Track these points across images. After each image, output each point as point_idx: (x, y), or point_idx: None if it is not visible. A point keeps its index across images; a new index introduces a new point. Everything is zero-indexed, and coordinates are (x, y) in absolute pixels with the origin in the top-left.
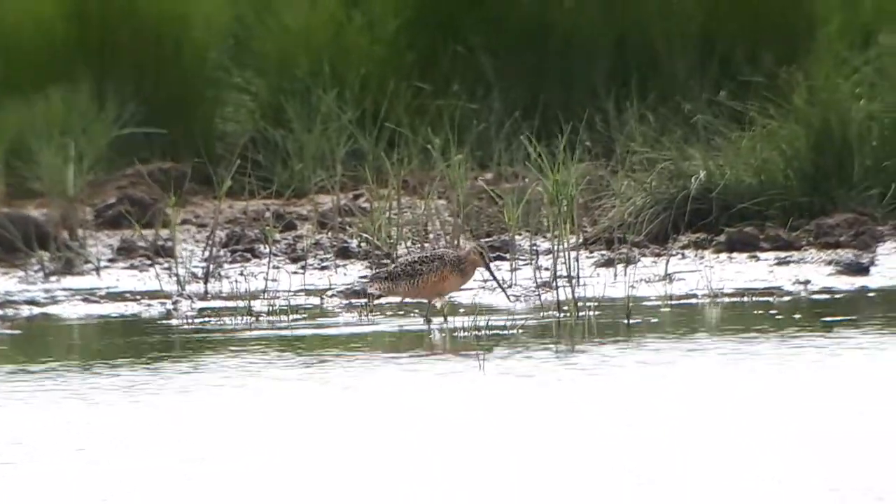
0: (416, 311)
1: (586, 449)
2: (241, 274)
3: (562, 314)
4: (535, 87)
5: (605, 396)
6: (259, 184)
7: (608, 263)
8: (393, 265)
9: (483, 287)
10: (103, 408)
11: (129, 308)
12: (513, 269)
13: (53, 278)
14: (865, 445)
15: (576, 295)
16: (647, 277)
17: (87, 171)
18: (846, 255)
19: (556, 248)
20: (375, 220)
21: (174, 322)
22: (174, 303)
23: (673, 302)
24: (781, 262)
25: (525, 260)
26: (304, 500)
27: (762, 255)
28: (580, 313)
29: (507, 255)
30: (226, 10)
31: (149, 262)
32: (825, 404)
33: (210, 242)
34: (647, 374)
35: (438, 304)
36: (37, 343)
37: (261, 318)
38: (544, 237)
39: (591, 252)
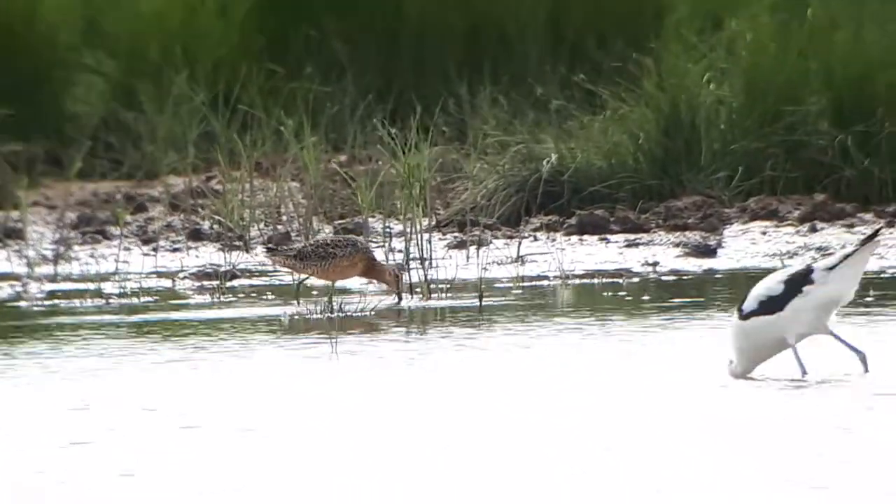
0: (269, 293)
1: (430, 430)
2: (92, 256)
3: (414, 296)
4: (389, 71)
5: (455, 377)
6: (110, 165)
7: (461, 245)
8: (302, 244)
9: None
10: None
11: None
12: None
13: None
14: (706, 416)
15: (428, 277)
16: (499, 259)
17: None
18: (694, 237)
19: (408, 230)
20: (228, 203)
21: (23, 304)
22: (23, 285)
23: (525, 284)
24: (631, 245)
25: (378, 242)
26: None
27: (612, 238)
28: (432, 295)
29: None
30: None
31: None
32: (674, 379)
33: (60, 224)
34: (497, 355)
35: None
36: None
37: (111, 301)
38: (397, 219)
39: (444, 234)
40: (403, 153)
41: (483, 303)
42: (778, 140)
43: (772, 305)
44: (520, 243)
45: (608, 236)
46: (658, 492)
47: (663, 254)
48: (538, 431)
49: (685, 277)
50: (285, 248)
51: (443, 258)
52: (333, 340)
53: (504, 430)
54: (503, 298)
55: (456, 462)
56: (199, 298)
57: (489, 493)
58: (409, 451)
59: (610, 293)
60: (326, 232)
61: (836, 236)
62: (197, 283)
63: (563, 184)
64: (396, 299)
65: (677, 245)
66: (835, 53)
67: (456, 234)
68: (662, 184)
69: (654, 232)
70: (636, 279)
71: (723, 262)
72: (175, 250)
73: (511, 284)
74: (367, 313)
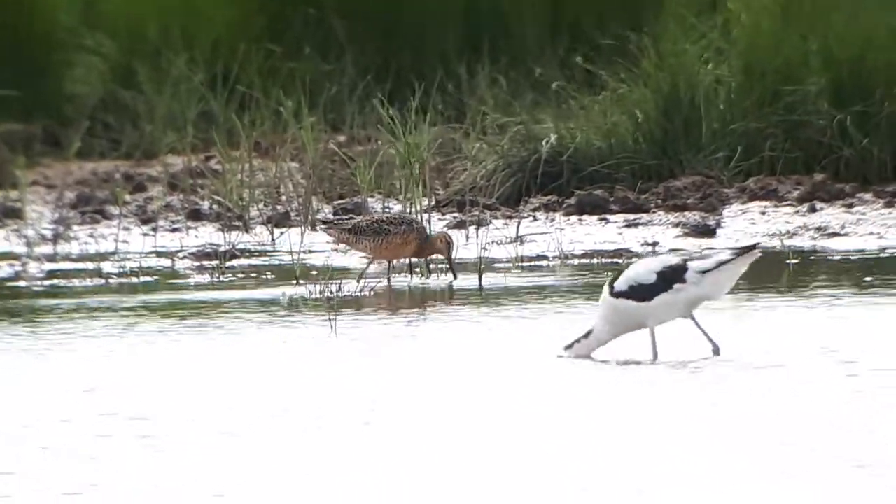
0: (269, 273)
1: (423, 409)
2: (91, 236)
3: (414, 276)
4: (388, 51)
5: (452, 355)
6: (109, 145)
7: (460, 225)
8: (357, 219)
9: (336, 249)
10: None
11: None
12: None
13: None
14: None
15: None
16: (498, 239)
17: None
18: (693, 217)
19: (408, 210)
20: (227, 182)
21: (22, 284)
22: (23, 264)
23: (524, 264)
24: (630, 225)
25: None
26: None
27: (612, 218)
28: (432, 275)
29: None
30: None
31: None
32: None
33: (59, 204)
34: (496, 333)
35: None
36: None
37: (111, 280)
38: (397, 199)
39: (444, 214)
40: (403, 133)
41: (483, 282)
42: (777, 120)
43: (641, 293)
44: (519, 223)
45: (607, 216)
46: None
47: (663, 234)
48: (526, 410)
49: None
50: (339, 223)
51: None
52: (333, 320)
53: (494, 408)
54: (503, 278)
55: (445, 438)
56: (198, 278)
57: (483, 476)
58: (404, 431)
59: (609, 273)
60: (326, 212)
61: (835, 216)
62: (196, 263)
63: (563, 164)
64: (452, 275)
65: (677, 225)
66: (833, 33)
67: (455, 215)
68: (662, 164)
69: (654, 212)
70: (636, 259)
71: (722, 241)
72: (174, 230)
73: (510, 264)
74: (367, 293)
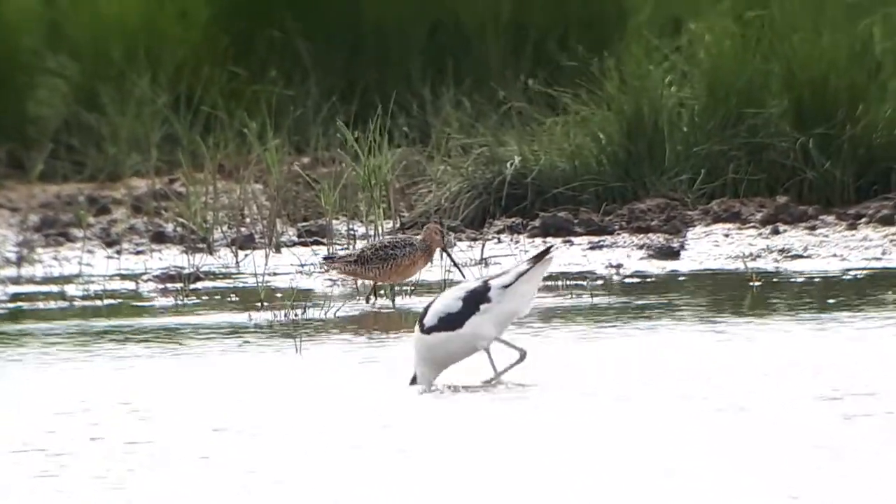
0: (233, 295)
1: (384, 428)
2: (55, 258)
3: (378, 298)
4: (352, 73)
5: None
6: (73, 168)
7: None
8: (360, 249)
9: (300, 271)
10: None
11: None
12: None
13: None
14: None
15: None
16: (463, 262)
17: None
18: (657, 239)
19: (372, 232)
20: (191, 205)
21: None
22: None
23: None
24: (595, 247)
25: (342, 244)
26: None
27: (576, 240)
28: (396, 297)
29: (324, 240)
30: None
31: None
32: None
33: (23, 227)
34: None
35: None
36: None
37: (75, 303)
38: (361, 221)
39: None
40: (366, 155)
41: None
42: (740, 142)
43: (451, 322)
44: (483, 245)
45: (572, 238)
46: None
47: (627, 256)
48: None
49: (648, 280)
50: (343, 256)
51: None
52: (298, 341)
53: (450, 426)
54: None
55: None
56: (162, 301)
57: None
58: (370, 452)
59: (574, 295)
60: (290, 234)
61: (798, 238)
62: (160, 286)
63: (527, 186)
64: (459, 272)
65: (641, 247)
66: (795, 56)
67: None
68: (625, 186)
69: (618, 234)
70: (600, 281)
71: (686, 264)
72: (138, 252)
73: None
74: (331, 315)
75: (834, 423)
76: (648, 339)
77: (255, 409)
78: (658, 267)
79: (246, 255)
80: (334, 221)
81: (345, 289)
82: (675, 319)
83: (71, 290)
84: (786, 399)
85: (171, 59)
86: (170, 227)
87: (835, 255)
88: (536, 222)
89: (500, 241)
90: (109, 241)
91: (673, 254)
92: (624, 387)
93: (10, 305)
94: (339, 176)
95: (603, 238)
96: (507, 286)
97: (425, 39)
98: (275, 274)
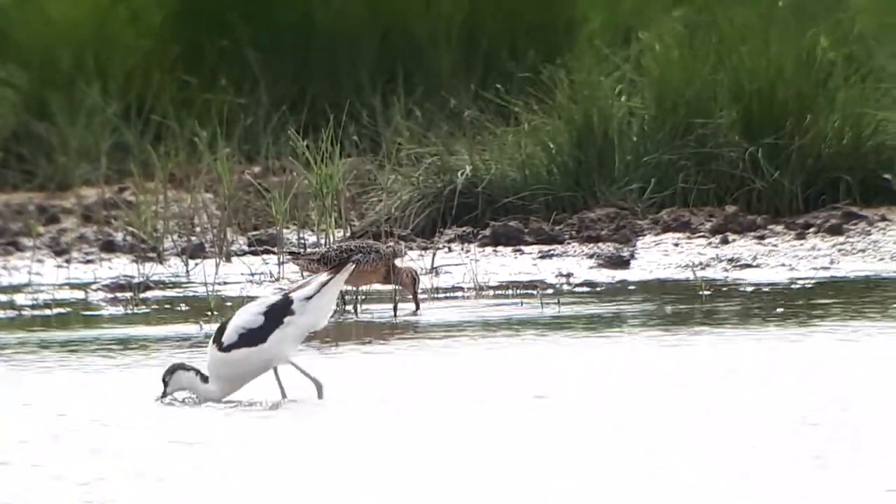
0: (183, 305)
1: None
2: (4, 268)
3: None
4: (302, 82)
5: (369, 387)
6: (22, 177)
7: None
8: (326, 248)
9: (250, 281)
10: None
11: None
12: (280, 263)
13: None
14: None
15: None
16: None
17: None
18: (607, 248)
19: (323, 241)
20: (141, 214)
21: None
22: None
23: (439, 295)
24: (545, 256)
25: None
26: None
27: (526, 249)
28: (347, 307)
29: (275, 249)
30: None
31: None
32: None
33: None
34: (410, 364)
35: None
36: None
37: (24, 312)
38: (312, 230)
39: None
40: (316, 164)
41: (397, 313)
42: (689, 152)
43: (253, 338)
44: (434, 254)
45: (522, 247)
46: None
47: (577, 265)
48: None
49: (598, 289)
50: (309, 252)
51: None
52: None
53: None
54: (418, 309)
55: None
56: (112, 310)
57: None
58: (323, 463)
59: (524, 304)
60: (241, 243)
61: (747, 248)
62: (110, 295)
63: (478, 195)
64: (415, 307)
65: (591, 256)
66: (743, 65)
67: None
68: (576, 195)
69: (568, 243)
70: (550, 290)
71: (636, 273)
72: (88, 262)
73: (425, 295)
74: None
75: (780, 430)
76: (592, 347)
77: (204, 422)
78: (608, 276)
79: (196, 265)
80: (285, 230)
81: (401, 291)
82: (623, 328)
83: (20, 299)
84: (733, 406)
85: (122, 66)
86: (120, 237)
87: (783, 265)
88: (487, 231)
89: (450, 250)
90: (59, 251)
91: (623, 263)
92: (566, 394)
93: None
94: (290, 185)
95: (553, 247)
96: (309, 298)
97: (376, 48)
98: (225, 283)
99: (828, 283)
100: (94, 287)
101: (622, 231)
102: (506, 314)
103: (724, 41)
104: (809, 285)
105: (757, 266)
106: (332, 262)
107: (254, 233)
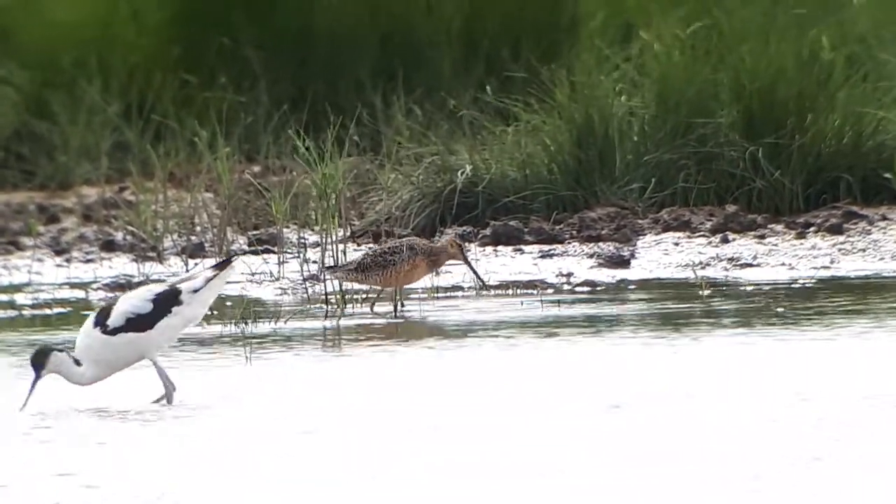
0: None
1: (344, 434)
2: (4, 267)
3: (329, 306)
4: (303, 81)
5: (370, 387)
6: (23, 176)
7: None
8: (360, 256)
9: (251, 280)
10: None
11: None
12: (280, 262)
13: None
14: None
15: (343, 287)
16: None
17: None
18: (608, 247)
19: (323, 240)
20: (141, 213)
21: None
22: None
23: (440, 294)
24: (545, 255)
25: (293, 253)
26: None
27: (526, 248)
28: (347, 305)
29: (275, 248)
30: None
31: None
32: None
33: None
34: (413, 365)
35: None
36: None
37: (24, 312)
38: (312, 230)
39: (359, 245)
40: (317, 164)
41: (398, 312)
42: (690, 151)
43: (141, 323)
44: None
45: (522, 247)
46: None
47: (577, 264)
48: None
49: (598, 288)
50: (345, 264)
51: None
52: (248, 350)
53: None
54: (418, 308)
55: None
56: None
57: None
58: (326, 466)
59: (524, 303)
60: (240, 243)
61: (747, 247)
62: (110, 294)
63: (478, 195)
64: (479, 281)
65: (591, 256)
66: (743, 65)
67: (371, 245)
68: (576, 195)
69: (569, 243)
70: (550, 290)
71: (636, 272)
72: (88, 261)
73: (426, 295)
74: (281, 324)
75: (781, 428)
76: (593, 347)
77: (209, 423)
78: (608, 275)
79: (196, 264)
80: (285, 230)
81: (295, 297)
82: (623, 328)
83: (20, 298)
84: (736, 404)
85: (123, 66)
86: (120, 236)
87: (783, 264)
88: (487, 231)
89: None
90: (59, 250)
91: (623, 262)
92: (563, 393)
93: None
94: (290, 184)
95: (553, 247)
96: (197, 290)
97: (377, 48)
98: (225, 283)
99: (828, 283)
100: (94, 286)
101: (622, 230)
102: (505, 315)
103: (724, 40)
104: (810, 284)
105: (757, 265)
106: (370, 269)
107: (254, 232)
